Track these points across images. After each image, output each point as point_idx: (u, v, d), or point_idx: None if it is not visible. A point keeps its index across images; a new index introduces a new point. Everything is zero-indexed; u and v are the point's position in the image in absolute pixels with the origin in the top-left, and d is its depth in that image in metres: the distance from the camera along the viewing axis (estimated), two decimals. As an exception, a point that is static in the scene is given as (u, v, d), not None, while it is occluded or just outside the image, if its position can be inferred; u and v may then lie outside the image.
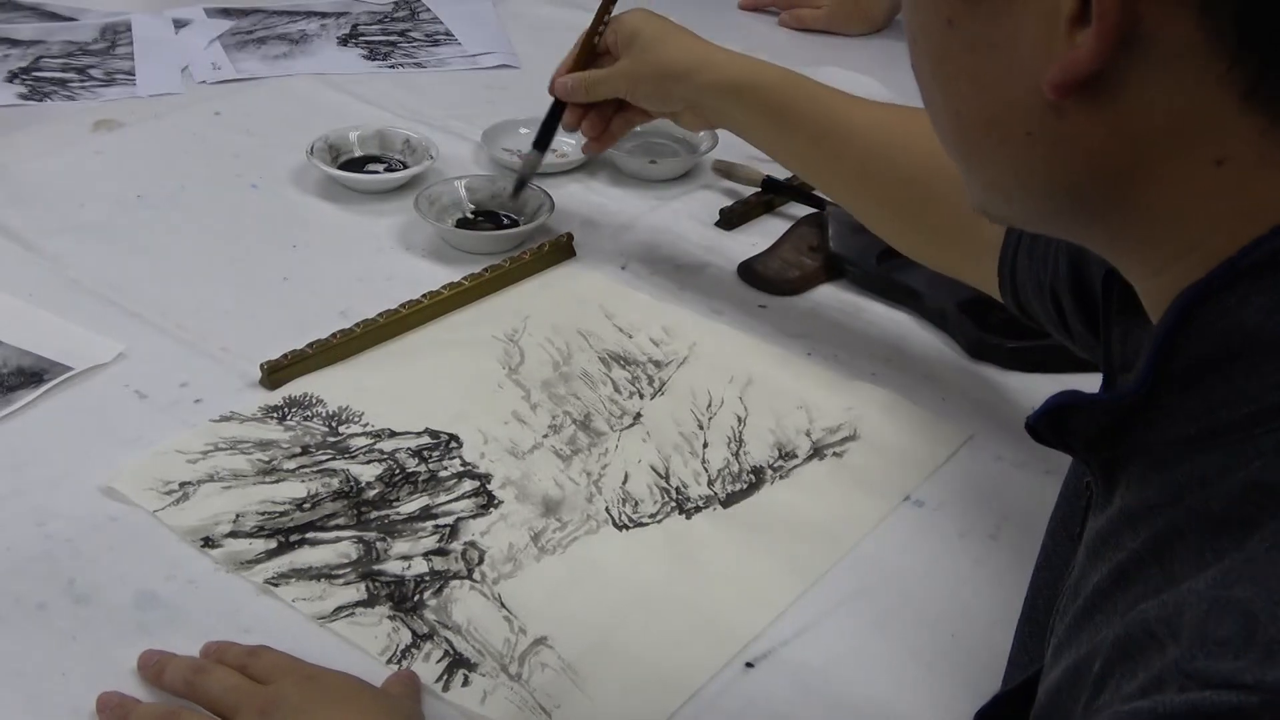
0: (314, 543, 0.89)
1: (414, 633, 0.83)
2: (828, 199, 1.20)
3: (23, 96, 1.46)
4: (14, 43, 1.56)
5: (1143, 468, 0.51)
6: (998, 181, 0.55)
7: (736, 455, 1.00)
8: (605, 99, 1.16)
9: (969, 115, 0.53)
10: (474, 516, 0.93)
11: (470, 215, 1.26)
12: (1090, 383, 1.05)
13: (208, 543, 0.89)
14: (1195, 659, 0.41)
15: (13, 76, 1.50)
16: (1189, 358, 0.48)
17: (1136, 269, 0.54)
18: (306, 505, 0.92)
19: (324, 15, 1.69)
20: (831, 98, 1.04)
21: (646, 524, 0.93)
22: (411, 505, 0.93)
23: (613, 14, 1.16)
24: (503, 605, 0.86)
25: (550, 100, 1.19)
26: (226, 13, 1.67)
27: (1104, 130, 0.48)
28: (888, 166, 1.00)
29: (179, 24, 1.63)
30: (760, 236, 1.27)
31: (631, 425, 1.02)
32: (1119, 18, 0.44)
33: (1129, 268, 0.55)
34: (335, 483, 0.94)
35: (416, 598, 0.86)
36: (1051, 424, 0.55)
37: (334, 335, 1.07)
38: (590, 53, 1.16)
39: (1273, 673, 0.39)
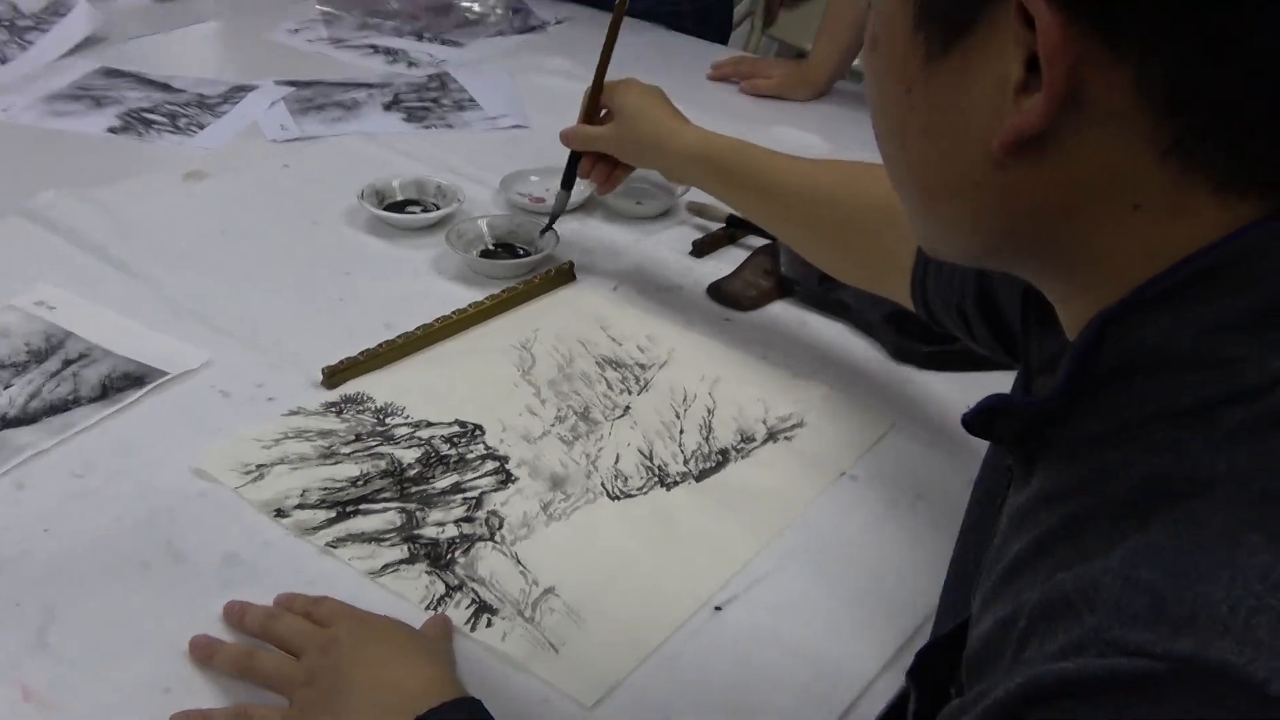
0: (366, 513, 0.90)
1: (447, 585, 0.84)
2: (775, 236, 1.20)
3: (114, 130, 1.47)
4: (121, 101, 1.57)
5: (1057, 457, 0.50)
6: (945, 224, 0.54)
7: (707, 439, 1.00)
8: (600, 152, 1.18)
9: (924, 169, 0.52)
10: (495, 490, 0.93)
11: (491, 247, 1.27)
12: (991, 380, 1.06)
13: (279, 513, 0.89)
14: (1112, 629, 0.40)
15: (121, 115, 1.53)
16: (1100, 369, 0.48)
17: (1059, 292, 0.53)
18: (359, 483, 0.92)
19: (371, 86, 1.69)
20: (771, 160, 1.05)
21: (635, 495, 0.93)
22: (444, 482, 0.93)
23: (606, 77, 1.17)
24: (519, 562, 0.86)
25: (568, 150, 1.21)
26: (293, 84, 1.67)
27: (1041, 180, 0.47)
28: (818, 211, 1.00)
29: (245, 90, 1.64)
30: (725, 263, 1.27)
31: (622, 416, 1.02)
32: (1065, 86, 0.43)
33: (1052, 290, 0.54)
34: (383, 464, 0.94)
35: (449, 556, 0.86)
36: (982, 422, 0.54)
37: (380, 345, 1.07)
38: (594, 110, 1.18)
39: (1178, 645, 0.38)
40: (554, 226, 1.25)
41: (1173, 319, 0.45)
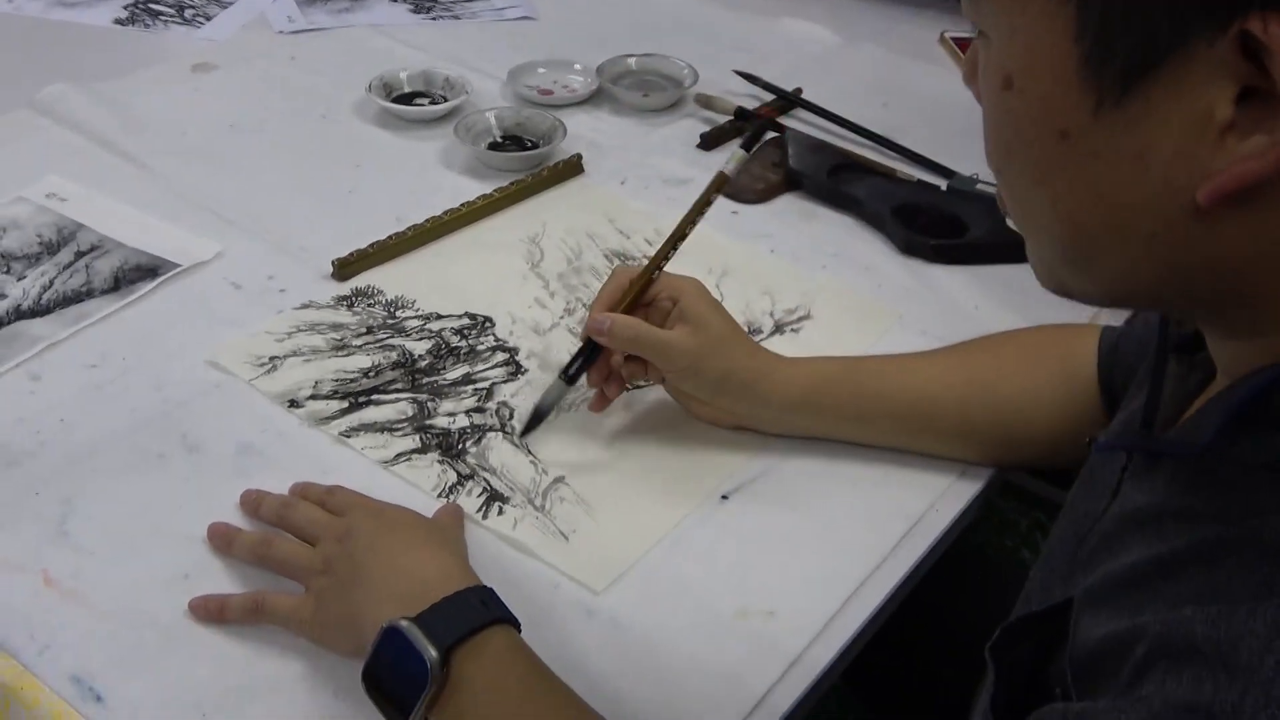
0: (378, 403, 0.89)
1: (458, 474, 0.83)
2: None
3: (121, 22, 1.45)
4: None
5: (1191, 468, 0.46)
6: (1101, 274, 0.47)
7: (714, 332, 0.99)
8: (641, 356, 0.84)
9: (1083, 219, 0.45)
10: (505, 382, 0.92)
11: (499, 139, 1.24)
12: (998, 272, 1.05)
13: (293, 404, 0.88)
14: (1258, 714, 0.37)
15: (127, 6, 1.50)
16: (1259, 418, 0.44)
17: (1219, 330, 0.48)
18: (371, 374, 0.92)
19: (378, -24, 1.65)
20: (896, 374, 0.85)
21: (643, 386, 0.93)
22: (455, 373, 0.93)
23: (664, 269, 0.86)
24: (529, 452, 0.86)
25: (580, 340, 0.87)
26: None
27: (1244, 232, 0.41)
28: (974, 420, 0.83)
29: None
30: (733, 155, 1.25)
31: (630, 308, 1.01)
32: None
33: (1211, 329, 0.49)
34: (394, 355, 0.94)
35: (460, 446, 0.86)
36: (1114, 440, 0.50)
37: (390, 237, 1.06)
38: (639, 298, 0.85)
39: None
40: (559, 118, 1.23)
41: None
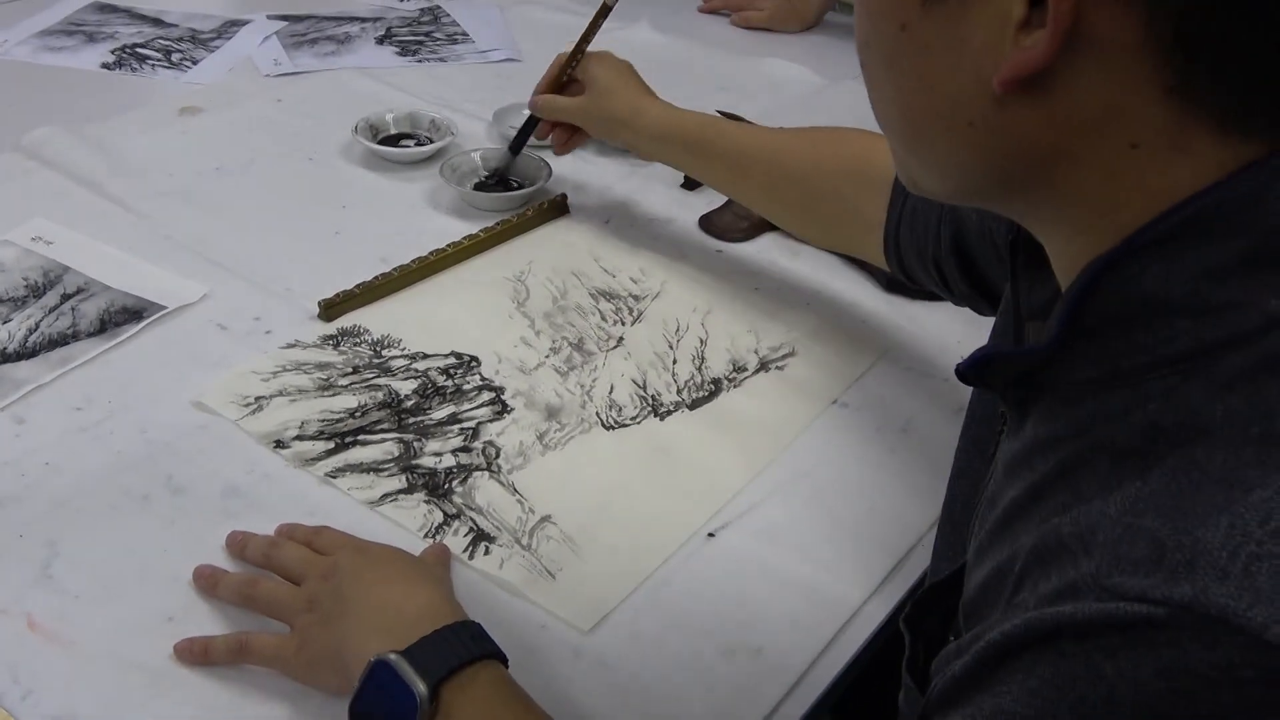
0: (364, 443, 0.89)
1: (445, 513, 0.83)
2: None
3: (108, 66, 1.45)
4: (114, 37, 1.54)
5: (1050, 403, 0.49)
6: (936, 164, 0.52)
7: (700, 369, 0.99)
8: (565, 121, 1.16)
9: (917, 109, 0.50)
10: (491, 421, 0.92)
11: (484, 179, 1.25)
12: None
13: (279, 445, 0.88)
14: (1111, 575, 0.40)
15: (115, 50, 1.50)
16: (1094, 316, 0.47)
17: (1050, 235, 0.52)
18: (357, 414, 0.91)
19: (364, 19, 1.65)
20: (738, 134, 1.04)
21: (629, 425, 0.93)
22: (441, 412, 0.92)
23: (585, 52, 1.15)
24: (515, 491, 0.85)
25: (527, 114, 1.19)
26: (285, 18, 1.63)
27: (1039, 118, 0.45)
28: (788, 179, 1.00)
29: (238, 24, 1.60)
30: (716, 195, 1.25)
31: (616, 347, 1.01)
32: (1070, 22, 0.42)
33: (1042, 233, 0.52)
34: (380, 395, 0.93)
35: (447, 486, 0.86)
36: (976, 370, 0.53)
37: (376, 277, 1.06)
38: (563, 79, 1.16)
39: (1177, 591, 0.38)
40: (544, 159, 1.23)
41: (1169, 265, 0.44)
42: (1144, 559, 0.39)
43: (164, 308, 1.02)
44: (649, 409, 0.94)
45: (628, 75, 1.13)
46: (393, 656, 0.64)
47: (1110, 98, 0.43)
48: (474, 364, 0.98)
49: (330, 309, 1.02)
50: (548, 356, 1.00)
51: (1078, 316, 0.47)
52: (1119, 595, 0.39)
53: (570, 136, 1.18)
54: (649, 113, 1.09)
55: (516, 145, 1.23)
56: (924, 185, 0.54)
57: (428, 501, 0.84)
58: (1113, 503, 0.42)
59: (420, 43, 1.60)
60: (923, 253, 0.86)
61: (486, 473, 0.87)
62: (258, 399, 0.92)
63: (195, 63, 1.49)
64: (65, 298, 1.02)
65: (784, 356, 1.01)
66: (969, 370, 0.53)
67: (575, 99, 1.14)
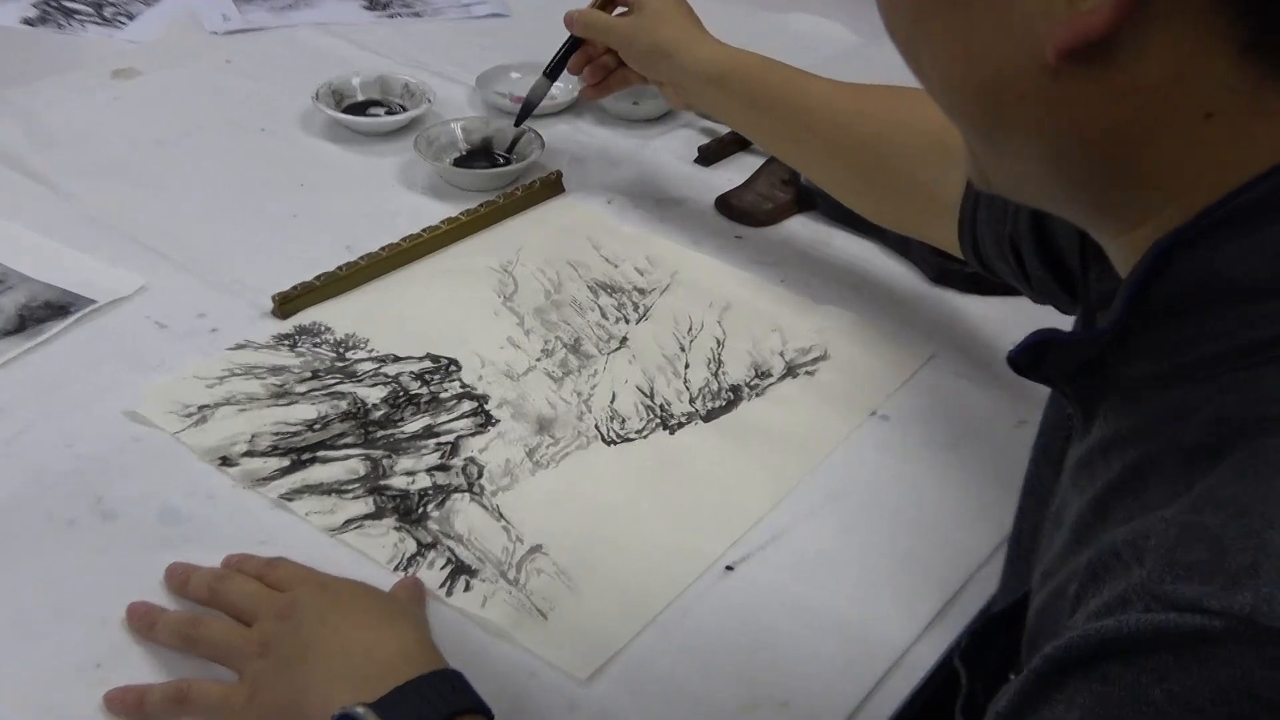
0: (325, 460, 0.89)
1: (419, 542, 0.83)
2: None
3: (30, 21, 1.46)
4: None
5: (1118, 401, 0.49)
6: (991, 149, 0.53)
7: (716, 375, 0.99)
8: (606, 47, 1.16)
9: (959, 81, 0.51)
10: (473, 434, 0.92)
11: (466, 154, 1.25)
12: (1043, 306, 1.05)
13: (225, 461, 0.88)
14: (1162, 581, 0.40)
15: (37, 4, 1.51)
16: (1163, 299, 0.47)
17: (1113, 226, 0.52)
18: (317, 426, 0.91)
19: (326, -32, 1.66)
20: (803, 81, 1.03)
21: (633, 439, 0.92)
22: (415, 425, 0.92)
23: None
24: (501, 516, 0.85)
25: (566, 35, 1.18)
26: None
27: (1100, 91, 0.45)
28: (848, 137, 0.99)
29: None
30: (736, 172, 1.26)
31: (618, 348, 1.01)
32: None
33: (1103, 226, 0.53)
34: (344, 404, 0.93)
35: (421, 510, 0.85)
36: (1031, 358, 0.53)
37: (340, 268, 1.06)
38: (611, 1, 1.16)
39: (1237, 599, 0.38)
40: (535, 130, 1.23)
41: (1243, 244, 0.45)
42: (1200, 562, 0.39)
43: (94, 302, 1.02)
44: (657, 421, 0.94)
45: (684, 5, 1.13)
46: (360, 710, 0.63)
47: (1180, 64, 0.43)
48: (453, 368, 0.98)
49: (286, 304, 1.02)
50: (539, 360, 1.00)
51: (1144, 299, 0.47)
52: (1170, 604, 0.39)
53: (608, 73, 1.17)
54: (701, 47, 1.08)
55: (553, 70, 1.21)
56: (991, 176, 0.55)
57: (399, 528, 0.84)
58: (1175, 505, 0.42)
59: (392, -5, 1.60)
60: (999, 234, 0.86)
61: (467, 495, 0.87)
62: (201, 408, 0.92)
63: (131, 18, 1.50)
64: (-22, 290, 1.03)
65: (814, 360, 1.01)
66: (1022, 356, 0.53)
67: (620, 18, 1.14)
